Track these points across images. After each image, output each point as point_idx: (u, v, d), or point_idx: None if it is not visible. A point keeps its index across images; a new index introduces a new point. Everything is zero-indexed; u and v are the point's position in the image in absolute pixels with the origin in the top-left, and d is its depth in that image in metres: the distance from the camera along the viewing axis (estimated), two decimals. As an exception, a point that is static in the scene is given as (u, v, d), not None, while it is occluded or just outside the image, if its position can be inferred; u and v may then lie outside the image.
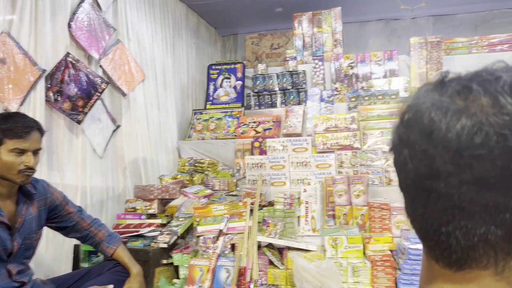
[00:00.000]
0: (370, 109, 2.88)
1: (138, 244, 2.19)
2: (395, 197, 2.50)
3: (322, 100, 3.42)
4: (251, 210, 2.35)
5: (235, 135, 3.20)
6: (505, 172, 0.39)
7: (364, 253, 2.18)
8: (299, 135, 3.12)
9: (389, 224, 2.30)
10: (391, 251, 2.14)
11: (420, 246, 2.13)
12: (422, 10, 4.11)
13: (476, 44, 3.58)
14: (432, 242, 0.45)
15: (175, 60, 3.56)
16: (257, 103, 3.46)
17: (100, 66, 2.67)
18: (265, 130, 3.19)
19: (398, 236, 2.26)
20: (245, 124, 3.23)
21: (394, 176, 2.63)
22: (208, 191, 2.66)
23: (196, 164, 2.92)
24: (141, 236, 2.24)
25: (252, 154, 2.97)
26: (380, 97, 3.17)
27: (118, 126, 2.78)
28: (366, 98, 3.21)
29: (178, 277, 2.23)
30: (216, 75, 3.64)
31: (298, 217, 2.48)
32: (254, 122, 3.23)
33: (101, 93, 2.53)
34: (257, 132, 3.17)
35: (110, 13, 2.80)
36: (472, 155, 0.39)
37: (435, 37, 3.39)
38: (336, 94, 3.45)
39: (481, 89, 0.41)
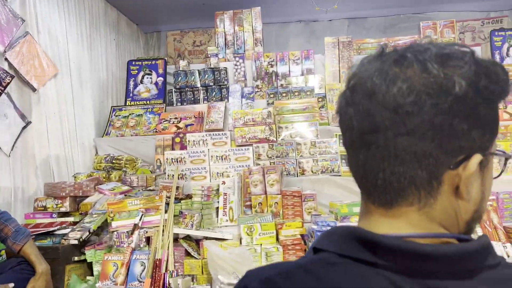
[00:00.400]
0: (285, 104, 3.02)
1: (47, 242, 2.11)
2: (307, 186, 2.65)
3: (243, 96, 3.51)
4: (168, 204, 2.37)
5: (156, 131, 3.18)
6: (431, 124, 0.48)
7: (277, 239, 2.28)
8: (221, 130, 3.18)
9: (301, 210, 2.44)
10: (301, 235, 2.27)
11: (326, 228, 2.29)
12: (338, 13, 4.38)
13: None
14: (371, 187, 0.53)
15: (92, 56, 3.46)
16: (179, 100, 3.47)
17: (6, 59, 2.53)
18: (187, 126, 3.21)
19: (308, 221, 2.40)
20: (166, 120, 3.22)
21: (307, 166, 2.79)
22: (125, 188, 2.62)
23: (114, 161, 2.86)
24: (50, 233, 2.16)
25: (173, 149, 2.98)
26: (296, 93, 3.33)
27: (28, 123, 2.64)
28: (284, 94, 3.36)
29: (92, 274, 2.18)
30: (136, 71, 3.59)
31: (217, 208, 2.54)
32: (176, 118, 3.23)
33: (5, 87, 2.40)
34: (179, 128, 3.18)
35: (16, 3, 2.66)
36: (406, 111, 0.48)
37: (346, 37, 3.63)
38: (257, 91, 3.57)
39: (414, 58, 0.50)
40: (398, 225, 0.52)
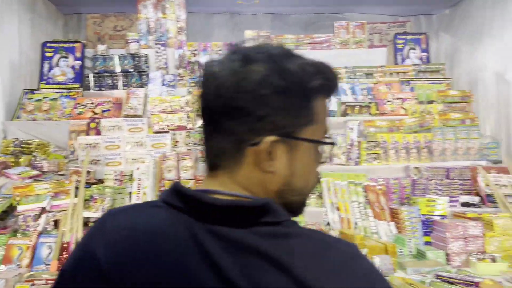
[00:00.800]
0: (203, 93, 3.12)
1: None
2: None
3: (164, 84, 3.55)
4: (78, 188, 2.37)
5: (71, 116, 3.11)
6: (236, 108, 0.61)
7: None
8: (140, 117, 3.20)
9: (212, 194, 2.57)
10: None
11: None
12: (261, 7, 4.52)
13: (301, 42, 4.12)
14: (205, 154, 0.68)
15: (3, 36, 3.27)
16: (97, 84, 3.41)
17: None
18: (104, 111, 3.18)
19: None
20: (82, 105, 3.17)
21: (222, 153, 2.92)
22: (35, 172, 2.56)
23: (23, 145, 2.77)
24: None
25: (87, 135, 2.95)
26: (217, 83, 3.44)
27: None
28: (205, 83, 3.45)
29: (-6, 260, 2.13)
30: (52, 54, 3.47)
31: (130, 193, 2.58)
32: (92, 103, 3.19)
33: None
34: (95, 113, 3.15)
35: None
36: (220, 95, 0.62)
37: (266, 32, 3.80)
38: (179, 80, 3.62)
39: (229, 57, 0.65)
40: (211, 184, 0.66)
